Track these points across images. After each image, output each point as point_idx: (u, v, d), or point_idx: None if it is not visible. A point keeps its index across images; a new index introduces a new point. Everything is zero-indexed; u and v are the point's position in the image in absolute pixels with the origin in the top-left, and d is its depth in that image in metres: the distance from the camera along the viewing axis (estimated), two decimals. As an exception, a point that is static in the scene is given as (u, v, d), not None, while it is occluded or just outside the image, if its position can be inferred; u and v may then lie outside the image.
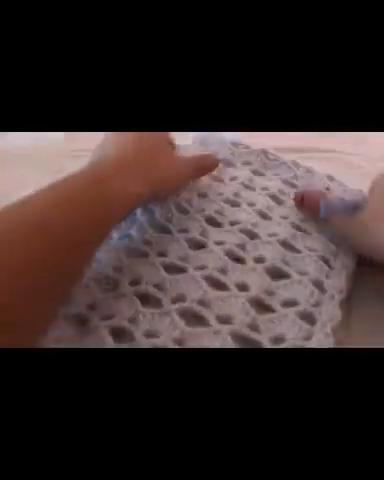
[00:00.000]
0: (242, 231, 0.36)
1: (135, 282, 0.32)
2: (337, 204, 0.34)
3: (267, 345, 0.29)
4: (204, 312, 0.30)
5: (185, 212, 0.37)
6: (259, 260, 0.34)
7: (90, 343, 0.28)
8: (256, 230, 0.37)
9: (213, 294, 0.31)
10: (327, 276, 0.34)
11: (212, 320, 0.30)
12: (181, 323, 0.29)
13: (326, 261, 0.35)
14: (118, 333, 0.28)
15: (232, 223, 0.37)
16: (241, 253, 0.34)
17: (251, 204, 0.39)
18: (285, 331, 0.29)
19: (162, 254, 0.34)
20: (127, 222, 0.36)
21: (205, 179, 0.41)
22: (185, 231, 0.36)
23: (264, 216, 0.38)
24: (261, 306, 0.31)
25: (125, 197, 0.31)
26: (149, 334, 0.29)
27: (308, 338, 0.29)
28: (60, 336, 0.28)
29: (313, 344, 0.29)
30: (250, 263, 0.34)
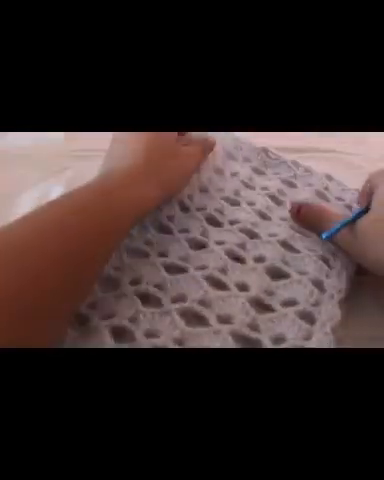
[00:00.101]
0: (242, 230, 0.36)
1: (136, 282, 0.32)
2: (337, 228, 0.34)
3: (267, 345, 0.29)
4: (204, 312, 0.30)
5: (186, 210, 0.37)
6: (259, 260, 0.34)
7: (90, 342, 0.28)
8: (256, 230, 0.37)
9: (213, 294, 0.31)
10: (327, 276, 0.34)
11: (212, 320, 0.30)
12: (181, 323, 0.29)
13: (326, 261, 0.35)
14: (118, 332, 0.29)
15: (232, 222, 0.37)
16: (241, 252, 0.35)
17: (251, 203, 0.39)
18: (285, 330, 0.30)
19: (163, 254, 0.34)
20: None
21: (207, 171, 0.41)
22: (186, 231, 0.36)
23: (263, 216, 0.38)
24: (261, 306, 0.31)
25: (140, 204, 0.31)
26: (149, 334, 0.29)
27: (308, 337, 0.29)
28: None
29: (313, 343, 0.29)
30: (250, 263, 0.34)
